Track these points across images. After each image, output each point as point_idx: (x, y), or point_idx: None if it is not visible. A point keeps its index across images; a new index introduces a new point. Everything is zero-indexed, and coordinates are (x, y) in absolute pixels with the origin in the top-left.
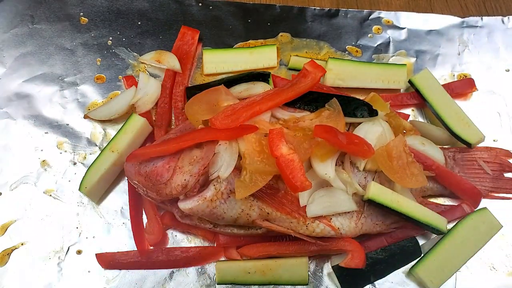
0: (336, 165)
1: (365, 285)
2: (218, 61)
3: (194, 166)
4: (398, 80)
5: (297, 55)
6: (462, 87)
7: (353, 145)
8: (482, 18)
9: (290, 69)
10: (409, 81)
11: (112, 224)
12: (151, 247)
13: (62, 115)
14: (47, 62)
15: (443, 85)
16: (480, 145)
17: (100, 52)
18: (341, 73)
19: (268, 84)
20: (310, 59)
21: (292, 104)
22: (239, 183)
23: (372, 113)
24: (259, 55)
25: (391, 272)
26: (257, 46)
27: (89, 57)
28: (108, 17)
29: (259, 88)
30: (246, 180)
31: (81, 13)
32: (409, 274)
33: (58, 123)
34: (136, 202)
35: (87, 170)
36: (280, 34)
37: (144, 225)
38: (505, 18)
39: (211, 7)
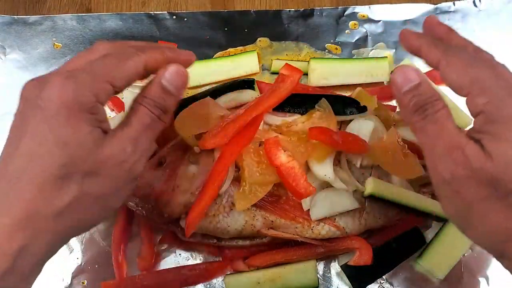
0: (334, 165)
1: (375, 280)
2: (201, 73)
3: (193, 183)
4: (381, 73)
5: (278, 58)
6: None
7: (348, 143)
8: (454, 3)
9: (273, 73)
10: (392, 73)
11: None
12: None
13: None
14: None
15: (426, 73)
16: (468, 128)
17: None
18: (324, 72)
19: (254, 90)
20: (285, 63)
21: (280, 108)
22: (239, 195)
23: (361, 109)
24: (240, 63)
25: (398, 264)
26: (237, 54)
27: None
28: (82, 40)
29: (247, 96)
30: (245, 191)
31: (54, 39)
32: (416, 264)
33: None
34: (124, 227)
35: None
36: (259, 39)
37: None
38: (477, 1)
39: (185, 19)
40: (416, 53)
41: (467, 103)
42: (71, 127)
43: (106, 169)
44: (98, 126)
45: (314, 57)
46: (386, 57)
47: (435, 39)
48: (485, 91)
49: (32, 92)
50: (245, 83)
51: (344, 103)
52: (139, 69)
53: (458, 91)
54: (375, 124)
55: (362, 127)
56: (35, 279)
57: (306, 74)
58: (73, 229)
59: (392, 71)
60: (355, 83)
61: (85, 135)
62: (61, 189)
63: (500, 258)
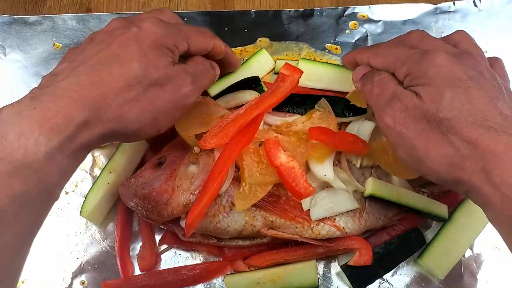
0: (333, 165)
1: (375, 280)
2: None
3: (193, 183)
4: None
5: (278, 58)
6: None
7: (348, 143)
8: (454, 3)
9: (276, 73)
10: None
11: (112, 250)
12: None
13: None
14: (25, 92)
15: None
16: None
17: None
18: (310, 74)
19: (256, 90)
20: (285, 62)
21: (279, 108)
22: (239, 195)
23: (359, 111)
24: (256, 64)
25: (398, 264)
26: (248, 59)
27: None
28: (82, 40)
29: (247, 95)
30: (245, 192)
31: (54, 39)
32: (416, 263)
33: None
34: (125, 227)
35: (87, 194)
36: (259, 39)
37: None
38: (477, 1)
39: (185, 18)
40: (355, 63)
41: (396, 75)
42: (154, 47)
43: (169, 86)
44: (172, 59)
45: (303, 58)
46: None
47: (366, 46)
48: (406, 61)
49: (128, 22)
50: (252, 82)
51: (343, 105)
52: (208, 46)
53: (387, 70)
54: (376, 125)
55: (362, 128)
56: (79, 163)
57: None
58: (124, 128)
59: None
60: (340, 90)
61: (161, 56)
62: (131, 86)
63: (457, 188)
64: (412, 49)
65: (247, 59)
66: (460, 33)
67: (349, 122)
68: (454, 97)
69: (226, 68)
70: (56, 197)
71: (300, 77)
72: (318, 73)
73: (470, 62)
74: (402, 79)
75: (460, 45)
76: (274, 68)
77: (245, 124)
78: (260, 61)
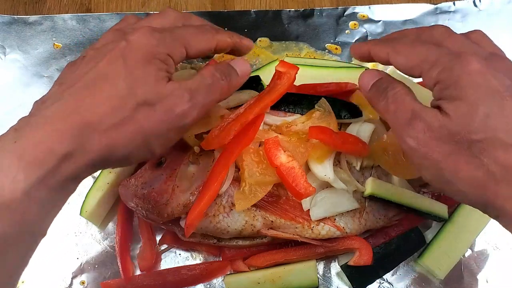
0: (333, 165)
1: (375, 280)
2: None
3: (193, 183)
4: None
5: (277, 59)
6: None
7: (348, 143)
8: (454, 3)
9: None
10: (358, 79)
11: (112, 250)
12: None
13: None
14: (25, 92)
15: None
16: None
17: None
18: (301, 77)
19: (256, 90)
20: (280, 60)
21: (276, 107)
22: (239, 195)
23: (356, 114)
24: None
25: (398, 264)
26: (260, 67)
27: None
28: (82, 40)
29: (247, 95)
30: (245, 192)
31: (54, 39)
32: (416, 264)
33: None
34: (125, 227)
35: (87, 194)
36: (259, 39)
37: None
38: (477, 1)
39: None
40: (368, 57)
41: (423, 79)
42: (142, 63)
43: (160, 105)
44: (165, 73)
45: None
46: (364, 66)
47: (381, 38)
48: (435, 63)
49: (117, 35)
50: (252, 81)
51: (339, 106)
52: (211, 46)
53: (411, 72)
54: (376, 125)
55: (362, 129)
56: (69, 195)
57: None
58: (113, 155)
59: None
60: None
61: (151, 71)
62: (116, 109)
63: (486, 211)
64: (440, 48)
65: (260, 67)
66: (479, 32)
67: (349, 124)
68: (488, 115)
69: (239, 55)
70: (42, 233)
71: (296, 73)
72: (308, 74)
73: (503, 68)
74: (431, 86)
75: (482, 45)
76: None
77: (246, 123)
78: (272, 72)
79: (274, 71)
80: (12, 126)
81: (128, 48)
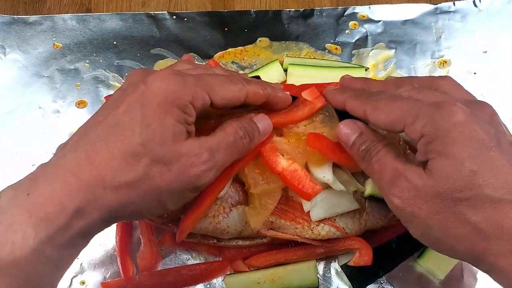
0: (334, 165)
1: (375, 280)
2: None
3: None
4: None
5: (277, 59)
6: None
7: (344, 157)
8: (454, 3)
9: (285, 70)
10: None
11: (112, 250)
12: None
13: (46, 145)
14: (25, 92)
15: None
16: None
17: (78, 76)
18: (300, 77)
19: None
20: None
21: None
22: (251, 212)
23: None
24: (267, 76)
25: (398, 264)
26: (259, 68)
27: (68, 82)
28: (82, 40)
29: None
30: (256, 207)
31: (54, 39)
32: (416, 264)
33: (45, 153)
34: (125, 227)
35: None
36: (259, 39)
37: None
38: (477, 1)
39: (185, 19)
40: (342, 107)
41: (407, 134)
42: (159, 114)
43: (176, 165)
44: (185, 125)
45: (292, 63)
46: (363, 66)
47: (357, 91)
48: (418, 116)
49: (138, 76)
50: None
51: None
52: (241, 96)
53: (393, 127)
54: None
55: None
56: (80, 249)
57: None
58: (125, 210)
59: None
60: None
61: (169, 125)
62: (129, 165)
63: (478, 265)
64: (419, 101)
65: (258, 68)
66: (448, 79)
67: None
68: (475, 172)
69: (273, 109)
70: None
71: (322, 108)
72: (308, 75)
73: (485, 114)
74: (415, 139)
75: (455, 93)
76: (285, 81)
77: None
78: (273, 73)
79: (301, 96)
80: (29, 174)
81: (148, 93)
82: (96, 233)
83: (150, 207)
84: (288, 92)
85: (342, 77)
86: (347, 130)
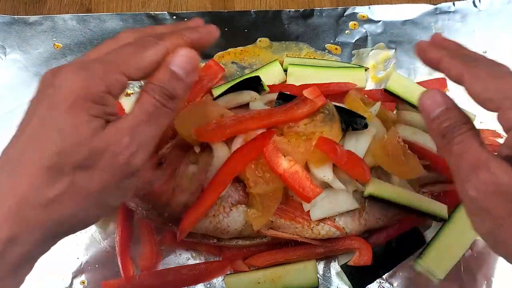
0: (334, 165)
1: (375, 280)
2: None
3: (193, 183)
4: (358, 83)
5: (277, 59)
6: (434, 86)
7: (351, 164)
8: (454, 3)
9: (285, 70)
10: (385, 90)
11: (113, 249)
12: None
13: None
14: (25, 92)
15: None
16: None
17: None
18: (300, 77)
19: (256, 91)
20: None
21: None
22: (253, 214)
23: (360, 126)
24: (266, 76)
25: (398, 264)
26: (258, 68)
27: None
28: (82, 40)
29: (246, 96)
30: (259, 209)
31: (54, 39)
32: (416, 264)
33: None
34: (125, 227)
35: None
36: (259, 39)
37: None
38: (477, 1)
39: (185, 19)
40: (436, 66)
41: (499, 117)
42: (71, 115)
43: (101, 162)
44: (104, 117)
45: (292, 63)
46: (363, 67)
47: (454, 52)
48: None
49: (46, 80)
50: (252, 82)
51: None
52: (158, 59)
53: (486, 104)
54: (377, 129)
55: (359, 141)
56: (25, 276)
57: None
58: (64, 225)
59: (384, 89)
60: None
61: (83, 124)
62: (51, 178)
63: None
64: None
65: (258, 68)
66: None
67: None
68: None
69: (205, 48)
70: None
71: (322, 106)
72: (307, 75)
73: None
74: (506, 129)
75: None
76: (285, 81)
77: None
78: (273, 73)
79: (302, 94)
80: None
81: (55, 97)
82: (41, 255)
83: (91, 213)
84: (212, 26)
85: (436, 34)
86: (432, 100)
